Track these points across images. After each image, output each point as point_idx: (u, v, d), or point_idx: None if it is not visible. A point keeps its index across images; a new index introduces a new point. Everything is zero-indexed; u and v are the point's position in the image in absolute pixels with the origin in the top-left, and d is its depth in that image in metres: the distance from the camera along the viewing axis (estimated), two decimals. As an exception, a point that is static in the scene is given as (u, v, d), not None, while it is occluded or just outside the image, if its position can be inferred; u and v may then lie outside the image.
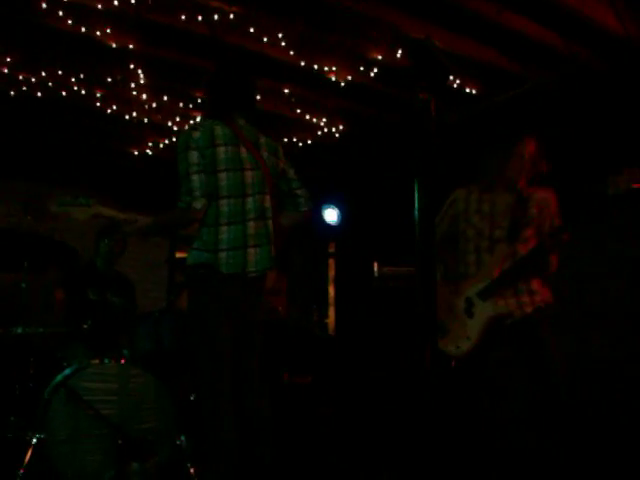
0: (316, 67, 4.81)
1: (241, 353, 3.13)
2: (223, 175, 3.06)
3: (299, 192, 3.37)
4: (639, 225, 4.68)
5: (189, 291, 3.12)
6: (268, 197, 3.21)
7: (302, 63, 4.76)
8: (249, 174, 3.14)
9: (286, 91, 5.25)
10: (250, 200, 3.13)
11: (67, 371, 3.63)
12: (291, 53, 4.63)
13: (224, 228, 3.04)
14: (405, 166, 1.56)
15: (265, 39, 4.47)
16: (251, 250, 3.09)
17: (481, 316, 3.43)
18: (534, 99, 4.97)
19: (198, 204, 3.00)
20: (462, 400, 3.57)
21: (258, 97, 5.19)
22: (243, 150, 3.16)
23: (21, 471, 3.35)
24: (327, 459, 4.67)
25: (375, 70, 4.86)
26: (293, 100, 5.42)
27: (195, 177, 3.01)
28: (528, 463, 3.76)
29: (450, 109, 5.40)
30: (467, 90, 5.10)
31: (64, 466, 3.40)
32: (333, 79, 4.98)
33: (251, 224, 3.11)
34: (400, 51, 4.57)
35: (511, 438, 4.35)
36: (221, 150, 3.08)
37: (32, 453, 3.38)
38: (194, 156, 3.03)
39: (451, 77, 4.91)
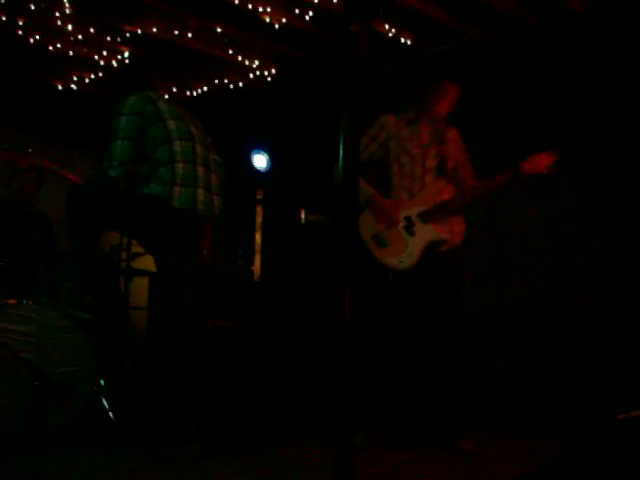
0: (250, 7, 4.69)
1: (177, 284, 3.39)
2: (171, 123, 3.37)
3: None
4: (558, 185, 4.83)
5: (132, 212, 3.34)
6: (211, 154, 3.56)
7: (236, 1, 4.63)
8: (192, 127, 3.49)
9: (218, 30, 5.09)
10: (198, 147, 3.44)
11: (-18, 310, 3.51)
12: (224, -10, 4.50)
13: (180, 165, 3.30)
14: (335, 112, 1.54)
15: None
16: (200, 190, 3.35)
17: (422, 237, 3.62)
18: (470, 53, 5.00)
19: (113, 172, 3.27)
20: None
21: (190, 35, 5.09)
22: (180, 106, 3.56)
23: None
24: (248, 402, 4.71)
25: (310, 14, 4.77)
26: (225, 40, 5.28)
27: (120, 143, 3.27)
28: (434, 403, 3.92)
29: (385, 58, 5.39)
30: (402, 40, 5.07)
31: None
32: (267, 20, 4.86)
33: (200, 168, 3.40)
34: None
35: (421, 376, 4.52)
36: (163, 105, 3.42)
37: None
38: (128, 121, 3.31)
39: (387, 26, 4.87)
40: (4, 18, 4.89)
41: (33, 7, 4.75)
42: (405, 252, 3.59)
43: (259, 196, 6.88)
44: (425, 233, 3.62)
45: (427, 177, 3.68)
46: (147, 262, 4.52)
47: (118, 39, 5.29)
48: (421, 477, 2.98)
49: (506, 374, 4.75)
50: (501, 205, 4.63)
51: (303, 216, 5.65)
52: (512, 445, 3.63)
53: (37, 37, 5.21)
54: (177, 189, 3.27)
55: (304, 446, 3.58)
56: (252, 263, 6.41)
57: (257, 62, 5.62)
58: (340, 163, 1.44)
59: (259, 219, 6.86)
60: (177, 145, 3.33)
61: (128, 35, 5.17)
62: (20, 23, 5.01)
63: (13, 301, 3.56)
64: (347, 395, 1.40)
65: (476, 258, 4.87)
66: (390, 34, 4.96)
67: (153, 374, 4.05)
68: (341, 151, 1.41)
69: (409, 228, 3.63)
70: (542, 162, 3.47)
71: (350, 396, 1.40)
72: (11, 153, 3.61)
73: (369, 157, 3.75)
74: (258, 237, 6.76)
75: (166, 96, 3.70)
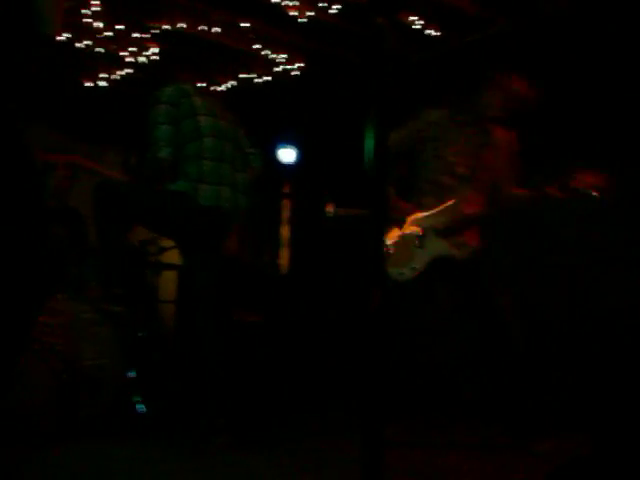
0: (276, 0, 4.69)
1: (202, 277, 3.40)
2: (203, 119, 3.38)
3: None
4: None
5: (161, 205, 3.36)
6: (240, 150, 3.56)
7: (262, -4, 4.64)
8: (223, 123, 3.49)
9: (245, 25, 5.10)
10: (227, 145, 3.46)
11: (14, 304, 3.54)
12: (251, -15, 4.51)
13: (207, 162, 3.33)
14: (362, 105, 1.53)
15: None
16: (225, 188, 3.38)
17: (430, 251, 3.43)
18: (498, 44, 4.95)
19: (163, 152, 3.27)
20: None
21: (216, 30, 5.11)
22: (213, 100, 3.61)
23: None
24: (275, 395, 4.72)
25: (336, 6, 4.76)
26: (252, 35, 5.29)
27: (164, 127, 3.28)
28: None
29: (412, 50, 5.36)
30: (428, 31, 5.03)
31: (9, 400, 3.35)
32: (293, 14, 4.86)
33: (226, 166, 3.42)
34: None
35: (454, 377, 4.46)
36: (198, 100, 3.42)
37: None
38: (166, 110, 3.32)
39: (413, 17, 4.84)
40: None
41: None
42: (407, 265, 3.41)
43: (286, 190, 6.88)
44: (435, 247, 3.43)
45: (458, 187, 3.46)
46: (176, 256, 4.55)
47: (146, 35, 5.32)
48: (448, 470, 2.97)
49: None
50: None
51: (331, 210, 5.64)
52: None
53: (65, 35, 5.25)
54: (203, 186, 3.30)
55: (333, 439, 3.57)
56: (279, 257, 6.42)
57: (284, 56, 5.62)
58: (366, 157, 1.43)
59: (286, 213, 6.86)
60: (207, 142, 3.35)
61: (156, 31, 5.20)
62: (49, 21, 5.05)
63: (44, 295, 3.60)
64: (377, 388, 1.40)
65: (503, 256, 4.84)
66: (416, 25, 4.92)
67: (181, 367, 4.08)
68: (369, 145, 1.40)
69: (420, 239, 3.44)
70: (590, 180, 3.20)
71: (380, 389, 1.40)
72: (46, 153, 3.66)
73: (404, 148, 3.51)
74: (285, 231, 6.77)
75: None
